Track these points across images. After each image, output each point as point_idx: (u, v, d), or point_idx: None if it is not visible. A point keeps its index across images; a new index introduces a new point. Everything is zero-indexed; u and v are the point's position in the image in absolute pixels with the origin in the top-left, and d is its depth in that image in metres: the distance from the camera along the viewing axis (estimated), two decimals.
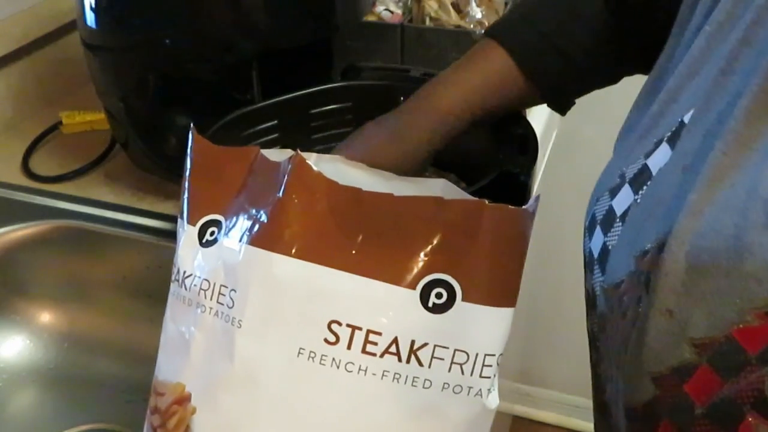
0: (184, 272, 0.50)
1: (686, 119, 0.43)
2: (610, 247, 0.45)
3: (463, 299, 0.45)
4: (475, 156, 0.75)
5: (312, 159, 0.50)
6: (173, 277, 0.52)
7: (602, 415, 0.50)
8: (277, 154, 0.51)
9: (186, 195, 0.53)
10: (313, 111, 0.79)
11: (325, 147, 0.77)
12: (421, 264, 0.45)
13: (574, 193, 1.11)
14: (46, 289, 0.85)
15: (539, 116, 0.93)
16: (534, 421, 1.82)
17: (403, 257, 0.46)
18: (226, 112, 0.75)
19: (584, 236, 0.49)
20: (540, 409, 1.82)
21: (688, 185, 0.39)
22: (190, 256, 0.50)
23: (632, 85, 0.64)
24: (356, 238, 0.46)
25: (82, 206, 0.86)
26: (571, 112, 0.70)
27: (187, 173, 0.53)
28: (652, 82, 0.50)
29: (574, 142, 1.41)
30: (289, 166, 0.47)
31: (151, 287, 0.82)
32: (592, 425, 0.54)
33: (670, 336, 0.39)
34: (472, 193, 0.62)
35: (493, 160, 0.68)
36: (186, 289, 0.50)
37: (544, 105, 0.68)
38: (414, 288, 0.45)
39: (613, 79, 0.67)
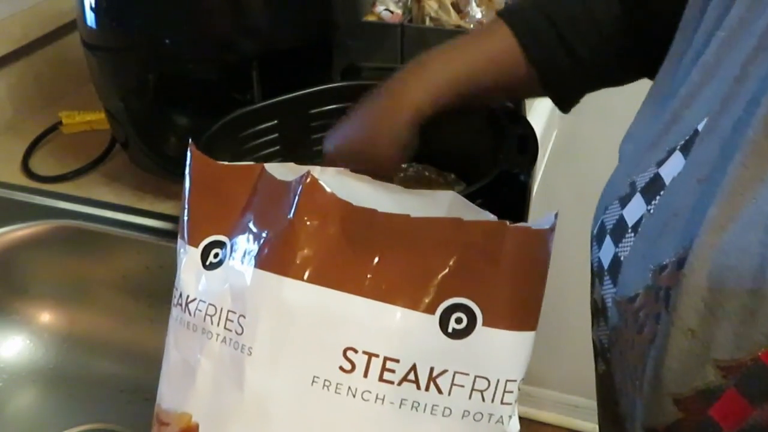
0: (188, 296, 0.48)
1: (700, 128, 0.42)
2: (621, 258, 0.43)
3: (484, 324, 0.43)
4: (475, 156, 0.75)
5: (316, 172, 0.48)
6: (174, 302, 0.49)
7: (614, 426, 0.49)
8: (280, 170, 0.49)
9: (186, 215, 0.50)
10: (313, 111, 0.78)
11: None
12: (440, 288, 0.44)
13: (573, 193, 1.12)
14: (46, 289, 0.85)
15: (539, 116, 0.93)
16: (534, 421, 1.82)
17: (420, 281, 0.44)
18: (226, 112, 0.75)
19: (591, 245, 0.47)
20: (540, 409, 1.81)
21: (707, 198, 0.38)
22: (192, 279, 0.48)
23: (633, 84, 0.64)
24: (371, 261, 0.44)
25: (81, 206, 0.85)
26: (571, 112, 0.69)
27: (187, 192, 0.51)
28: (658, 88, 0.49)
29: (574, 142, 1.41)
30: (300, 187, 0.45)
31: (151, 287, 0.82)
32: (591, 425, 0.53)
33: (693, 357, 0.37)
34: (473, 193, 0.62)
35: (493, 160, 0.68)
36: (190, 314, 0.48)
37: (544, 104, 0.67)
38: (433, 313, 0.44)
39: (617, 82, 0.65)
